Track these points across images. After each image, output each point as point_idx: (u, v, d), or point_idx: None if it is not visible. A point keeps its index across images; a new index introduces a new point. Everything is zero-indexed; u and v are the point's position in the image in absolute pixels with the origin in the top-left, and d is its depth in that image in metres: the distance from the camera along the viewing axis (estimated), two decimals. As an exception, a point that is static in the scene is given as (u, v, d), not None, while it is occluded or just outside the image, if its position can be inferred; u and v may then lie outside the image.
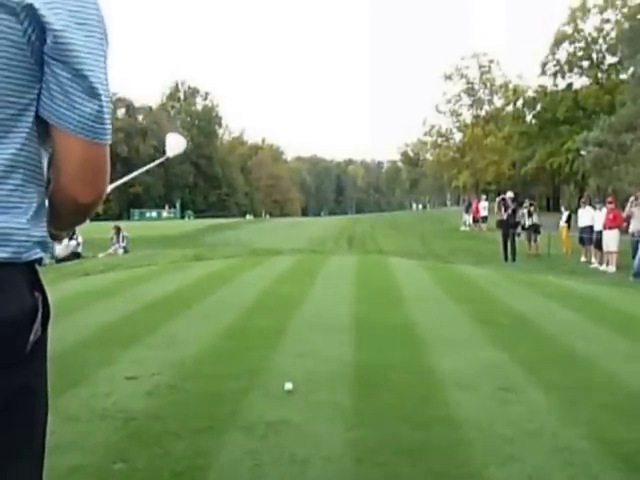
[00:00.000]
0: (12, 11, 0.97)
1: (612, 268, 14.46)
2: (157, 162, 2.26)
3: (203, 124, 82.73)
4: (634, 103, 29.51)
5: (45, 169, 1.10)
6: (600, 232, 15.20)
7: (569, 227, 19.60)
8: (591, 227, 16.03)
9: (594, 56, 44.87)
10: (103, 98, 1.02)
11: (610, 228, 14.66)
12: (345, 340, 5.03)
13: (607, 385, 3.91)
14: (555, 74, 46.36)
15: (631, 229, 14.02)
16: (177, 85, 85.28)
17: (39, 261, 1.07)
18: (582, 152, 32.65)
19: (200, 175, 78.93)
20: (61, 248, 14.51)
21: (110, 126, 1.06)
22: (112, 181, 1.18)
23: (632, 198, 14.53)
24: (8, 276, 1.00)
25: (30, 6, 0.97)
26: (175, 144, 2.32)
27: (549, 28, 52.62)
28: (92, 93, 1.01)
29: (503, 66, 57.57)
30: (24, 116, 1.02)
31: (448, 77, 57.39)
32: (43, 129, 1.05)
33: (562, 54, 45.72)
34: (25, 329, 1.03)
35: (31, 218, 1.03)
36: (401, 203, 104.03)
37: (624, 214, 14.55)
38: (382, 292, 7.78)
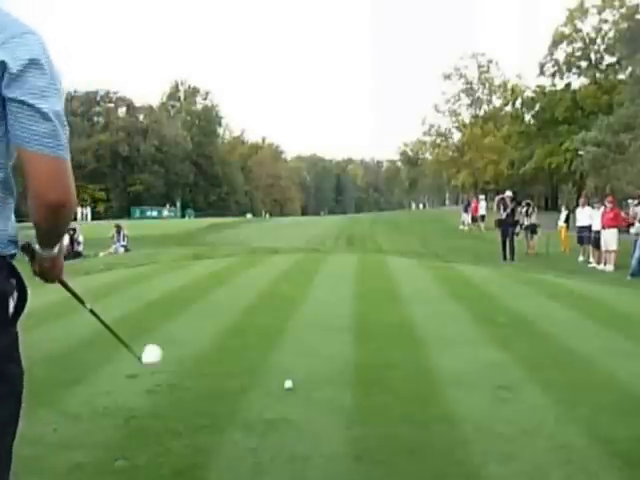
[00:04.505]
0: None
1: (610, 267, 14.48)
2: (130, 351, 2.31)
3: (203, 123, 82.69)
4: (632, 103, 29.58)
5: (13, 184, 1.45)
6: (598, 231, 15.24)
7: (568, 226, 19.65)
8: (589, 226, 16.06)
9: (592, 56, 44.86)
10: (54, 120, 1.36)
11: (610, 227, 14.69)
12: (345, 339, 5.05)
13: (605, 383, 3.93)
14: (553, 74, 46.36)
15: (635, 229, 14.02)
16: (177, 84, 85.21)
17: (14, 255, 1.46)
18: (580, 152, 32.69)
19: (200, 174, 78.90)
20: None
21: (65, 142, 1.39)
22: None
23: (637, 200, 14.56)
24: None
25: (3, 62, 1.33)
26: (151, 356, 2.43)
27: (548, 28, 52.58)
28: (44, 117, 1.35)
29: (502, 66, 57.75)
30: None
31: (447, 77, 57.49)
32: (12, 151, 1.41)
33: (560, 54, 45.74)
34: (5, 302, 1.44)
35: (8, 221, 1.42)
36: (400, 202, 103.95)
37: (630, 214, 14.56)
38: (381, 291, 7.80)
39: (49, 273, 1.70)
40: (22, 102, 1.33)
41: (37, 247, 1.61)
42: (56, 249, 1.65)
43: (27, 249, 1.61)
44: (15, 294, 1.47)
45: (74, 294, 2.03)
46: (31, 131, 1.34)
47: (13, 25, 1.39)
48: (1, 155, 1.38)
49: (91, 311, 2.13)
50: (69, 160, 1.41)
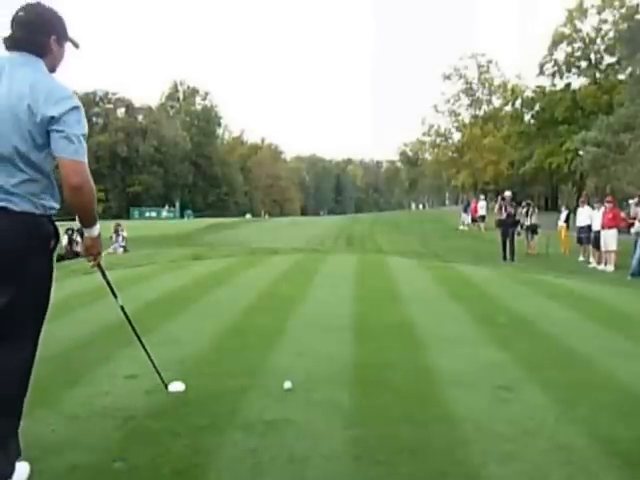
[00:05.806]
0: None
1: (610, 267, 14.49)
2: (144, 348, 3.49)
3: (202, 124, 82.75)
4: (632, 103, 29.57)
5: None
6: (598, 232, 15.24)
7: (568, 226, 19.64)
8: (589, 226, 16.06)
9: (592, 56, 44.91)
10: (75, 142, 2.41)
11: (609, 227, 14.69)
12: (344, 339, 5.04)
13: (605, 383, 3.92)
14: (553, 74, 46.41)
15: (635, 229, 14.02)
16: (176, 85, 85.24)
17: (51, 215, 2.55)
18: (580, 152, 32.68)
19: (200, 175, 78.95)
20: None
21: (83, 152, 2.44)
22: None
23: (637, 199, 14.54)
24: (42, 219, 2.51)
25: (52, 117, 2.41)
26: (177, 386, 3.52)
27: (548, 28, 52.63)
28: (71, 141, 2.41)
29: (502, 66, 57.82)
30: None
31: (447, 77, 57.54)
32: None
33: (560, 54, 45.80)
34: (50, 239, 2.57)
35: (51, 199, 2.55)
36: (400, 203, 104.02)
37: (631, 215, 14.56)
38: (381, 291, 7.79)
39: (89, 249, 2.72)
40: (58, 132, 2.40)
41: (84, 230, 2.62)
42: (95, 232, 2.63)
43: (80, 231, 2.66)
44: (54, 237, 2.56)
45: (109, 284, 3.14)
46: (65, 148, 2.41)
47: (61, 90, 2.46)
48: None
49: (121, 307, 3.39)
50: (86, 161, 2.46)
